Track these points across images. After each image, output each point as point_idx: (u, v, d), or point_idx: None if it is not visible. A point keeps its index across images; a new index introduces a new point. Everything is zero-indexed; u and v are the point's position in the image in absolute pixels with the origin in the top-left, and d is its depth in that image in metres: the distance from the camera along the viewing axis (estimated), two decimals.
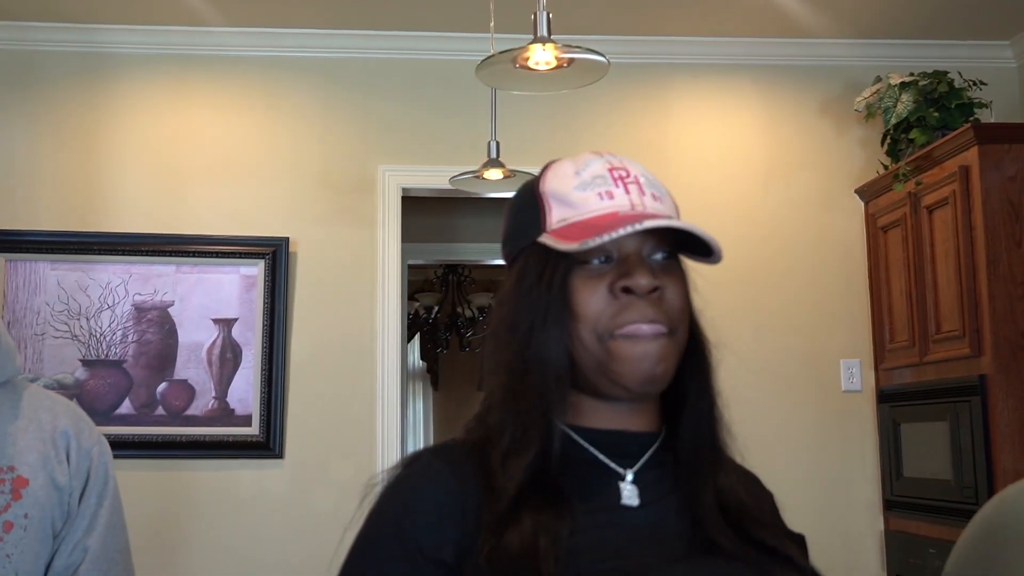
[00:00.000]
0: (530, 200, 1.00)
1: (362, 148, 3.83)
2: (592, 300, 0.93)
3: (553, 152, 3.98)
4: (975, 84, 3.60)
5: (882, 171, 3.71)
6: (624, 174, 0.98)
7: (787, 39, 3.89)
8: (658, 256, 0.97)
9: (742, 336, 3.77)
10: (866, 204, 3.87)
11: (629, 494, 0.94)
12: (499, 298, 1.01)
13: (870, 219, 3.84)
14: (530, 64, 1.96)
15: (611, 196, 0.96)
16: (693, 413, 0.99)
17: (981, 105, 3.55)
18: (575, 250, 0.91)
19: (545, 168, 1.03)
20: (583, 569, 0.85)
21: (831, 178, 3.91)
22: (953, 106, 3.52)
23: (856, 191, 3.88)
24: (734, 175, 3.89)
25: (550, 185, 0.99)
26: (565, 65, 1.91)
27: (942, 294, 3.34)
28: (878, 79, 3.72)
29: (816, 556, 1.01)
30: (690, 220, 3.42)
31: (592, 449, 0.96)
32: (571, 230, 0.94)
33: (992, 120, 3.54)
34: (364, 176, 3.81)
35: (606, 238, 0.89)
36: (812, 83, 3.95)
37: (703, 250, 0.98)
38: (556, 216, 0.96)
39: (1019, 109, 3.91)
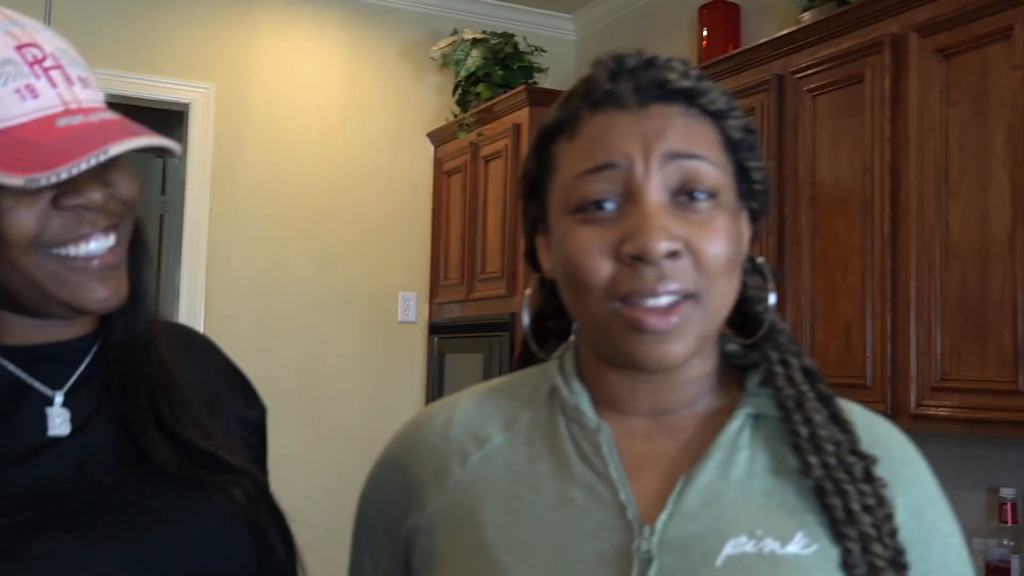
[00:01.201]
0: None
1: None
2: (28, 218, 0.77)
3: (121, 53, 3.72)
4: (537, 50, 3.95)
5: (451, 119, 3.96)
6: (39, 55, 0.78)
7: None
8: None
9: (309, 265, 3.88)
10: (435, 148, 4.12)
11: (59, 422, 0.83)
12: None
13: (438, 163, 4.09)
14: None
15: (34, 93, 0.77)
16: (126, 307, 0.87)
17: (540, 70, 3.91)
18: (22, 187, 0.73)
19: None
20: None
21: (406, 120, 4.10)
22: (516, 67, 3.84)
23: (428, 135, 4.11)
24: (316, 106, 3.95)
25: None
26: None
27: (489, 238, 3.67)
28: (455, 31, 3.95)
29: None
30: (269, 145, 3.38)
31: (17, 371, 0.83)
32: None
33: (548, 86, 3.92)
34: None
35: (63, 174, 0.72)
36: (396, 25, 4.10)
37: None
38: None
39: (573, 78, 4.34)
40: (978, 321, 2.09)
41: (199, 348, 1.00)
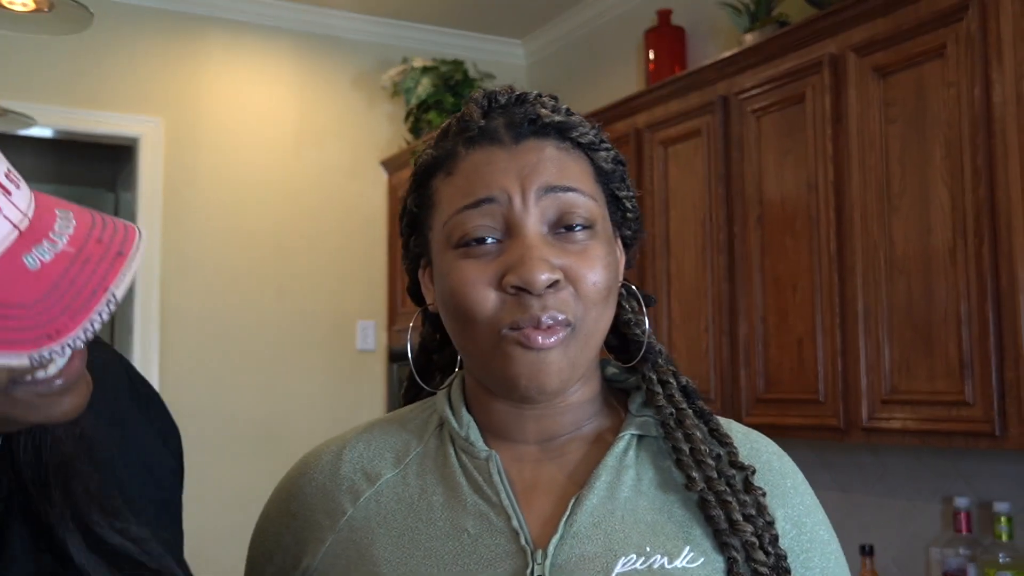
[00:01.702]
0: None
1: None
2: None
3: (67, 89, 3.68)
4: (487, 76, 3.98)
5: (404, 147, 3.97)
6: None
7: (325, 8, 3.99)
8: None
9: (265, 296, 3.86)
10: (390, 176, 4.12)
11: None
12: None
13: (392, 190, 4.09)
14: (4, 3, 1.84)
15: None
16: None
17: None
18: (27, 366, 0.59)
19: None
20: None
21: (359, 149, 4.10)
22: (466, 94, 3.86)
23: (382, 163, 4.12)
24: (267, 137, 3.93)
25: None
26: (46, 10, 1.83)
27: None
28: (405, 60, 3.96)
29: None
30: (220, 177, 3.37)
31: None
32: None
33: None
34: None
35: (78, 342, 0.58)
36: (347, 55, 4.11)
37: None
38: None
39: None
40: (924, 334, 2.13)
41: (102, 375, 0.84)
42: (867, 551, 2.35)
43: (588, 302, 0.79)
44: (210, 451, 3.65)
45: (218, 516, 3.35)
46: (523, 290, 0.76)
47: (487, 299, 0.77)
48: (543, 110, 0.82)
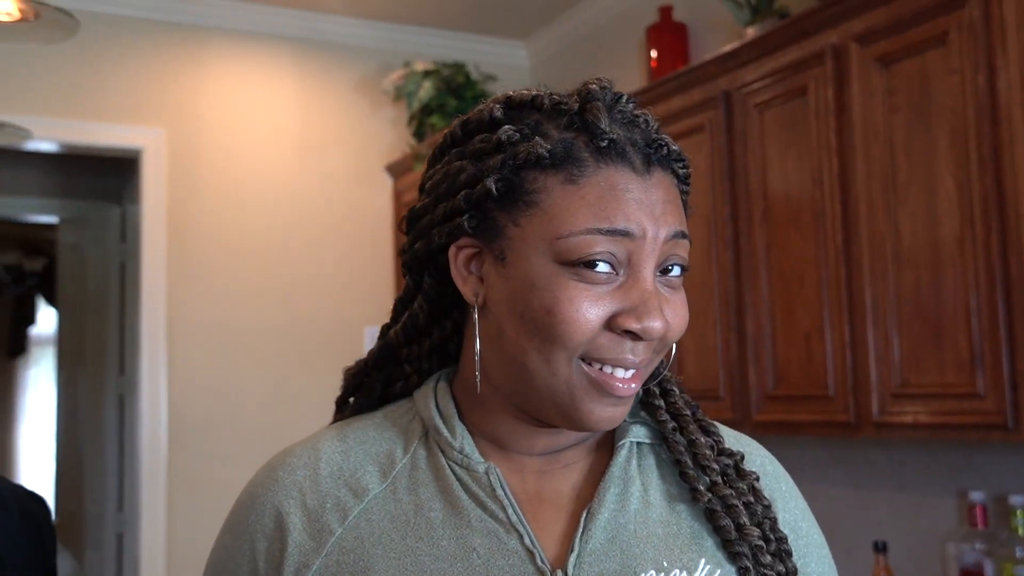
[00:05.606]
0: None
1: None
2: None
3: (68, 102, 3.67)
4: (489, 78, 3.96)
5: (409, 151, 3.95)
6: None
7: (324, 14, 3.98)
8: None
9: (272, 304, 3.85)
10: (394, 181, 4.10)
11: None
12: None
13: (397, 195, 4.08)
14: None
15: None
16: None
17: None
18: None
19: None
20: None
21: (363, 154, 4.09)
22: (469, 97, 3.84)
23: (386, 168, 4.10)
24: (270, 145, 3.93)
25: None
26: (31, 19, 1.81)
27: None
28: (406, 64, 3.95)
29: None
30: (224, 187, 3.40)
31: None
32: None
33: None
34: None
35: None
36: (348, 61, 4.10)
37: None
38: None
39: None
40: (934, 326, 2.09)
41: None
42: (880, 547, 2.31)
43: (666, 347, 0.77)
44: (219, 460, 3.64)
45: None
46: (633, 335, 0.73)
47: (590, 330, 0.73)
48: (662, 134, 0.77)
